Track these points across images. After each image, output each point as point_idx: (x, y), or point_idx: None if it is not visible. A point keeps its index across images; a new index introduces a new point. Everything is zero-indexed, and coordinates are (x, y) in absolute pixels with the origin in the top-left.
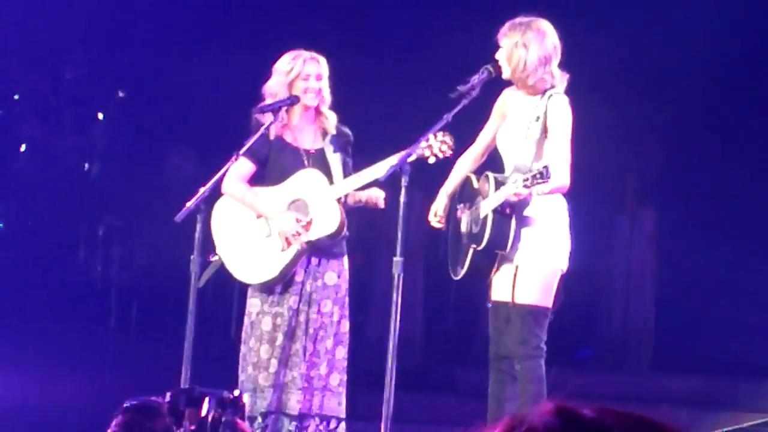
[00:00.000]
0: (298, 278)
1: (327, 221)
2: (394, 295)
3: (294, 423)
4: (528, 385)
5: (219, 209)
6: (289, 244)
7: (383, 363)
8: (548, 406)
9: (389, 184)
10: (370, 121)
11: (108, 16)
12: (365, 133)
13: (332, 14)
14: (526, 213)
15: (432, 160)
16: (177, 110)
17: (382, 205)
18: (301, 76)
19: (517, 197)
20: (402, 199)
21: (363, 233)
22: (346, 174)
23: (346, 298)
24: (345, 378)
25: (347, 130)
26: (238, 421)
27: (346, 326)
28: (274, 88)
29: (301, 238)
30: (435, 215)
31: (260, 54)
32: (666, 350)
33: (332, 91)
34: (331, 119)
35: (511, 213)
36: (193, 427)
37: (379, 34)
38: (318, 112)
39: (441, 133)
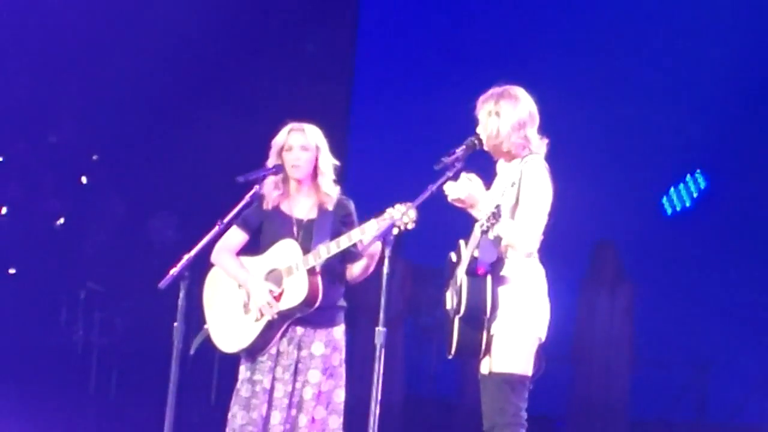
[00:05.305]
0: (282, 348)
1: (296, 292)
2: (376, 365)
3: None
4: None
5: (211, 278)
6: (262, 314)
7: None
8: None
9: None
10: (356, 190)
11: (92, 80)
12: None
13: (317, 82)
14: (501, 274)
15: (395, 231)
16: (160, 176)
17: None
18: (285, 147)
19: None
20: (385, 269)
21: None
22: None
23: (340, 369)
24: None
25: (348, 203)
26: None
27: (340, 396)
28: (270, 159)
29: (272, 309)
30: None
31: (243, 120)
32: (642, 419)
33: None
34: (329, 192)
35: (484, 273)
36: None
37: (363, 100)
38: (316, 184)
39: (409, 204)
